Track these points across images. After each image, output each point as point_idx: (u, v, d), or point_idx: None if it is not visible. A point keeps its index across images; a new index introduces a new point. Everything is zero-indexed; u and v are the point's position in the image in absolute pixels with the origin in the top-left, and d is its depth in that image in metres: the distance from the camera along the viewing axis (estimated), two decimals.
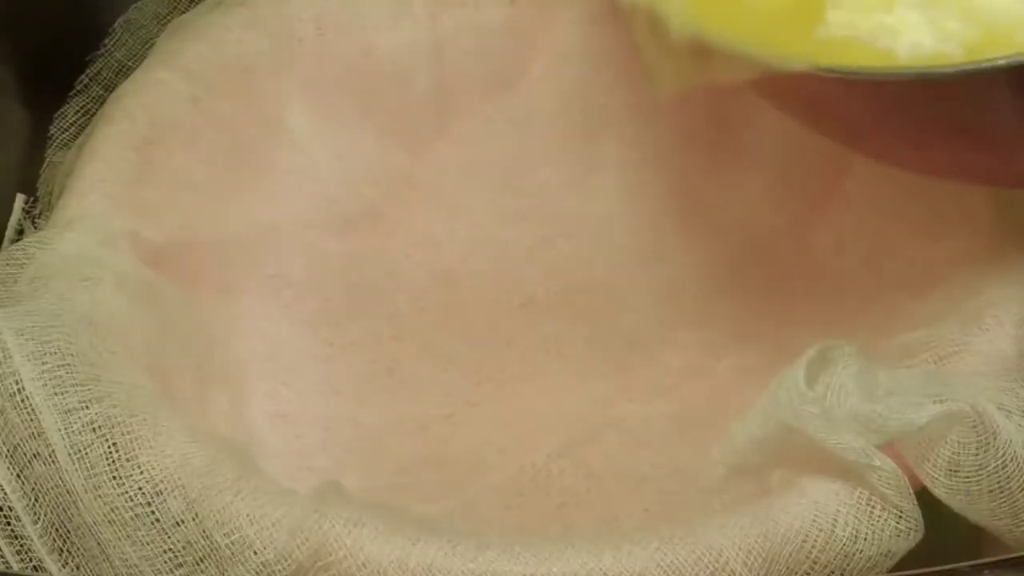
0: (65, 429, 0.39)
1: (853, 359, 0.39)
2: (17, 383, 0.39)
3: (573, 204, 0.57)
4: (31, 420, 0.39)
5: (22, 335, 0.40)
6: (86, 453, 0.39)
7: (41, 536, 0.39)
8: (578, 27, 0.56)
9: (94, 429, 0.39)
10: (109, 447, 0.39)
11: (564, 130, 0.57)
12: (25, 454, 0.39)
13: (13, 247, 0.46)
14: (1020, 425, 0.38)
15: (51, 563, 0.39)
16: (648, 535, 0.38)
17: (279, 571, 0.38)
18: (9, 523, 0.39)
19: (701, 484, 0.43)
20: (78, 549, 0.39)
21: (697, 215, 0.55)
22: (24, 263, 0.45)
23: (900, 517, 0.38)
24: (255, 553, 0.38)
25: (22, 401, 0.39)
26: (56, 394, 0.40)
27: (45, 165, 0.52)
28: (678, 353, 0.53)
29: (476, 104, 0.57)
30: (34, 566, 0.39)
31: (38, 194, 0.52)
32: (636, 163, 0.56)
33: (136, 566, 0.38)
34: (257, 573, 0.38)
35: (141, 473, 0.39)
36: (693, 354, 0.53)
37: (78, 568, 0.39)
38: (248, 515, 0.38)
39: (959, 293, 0.44)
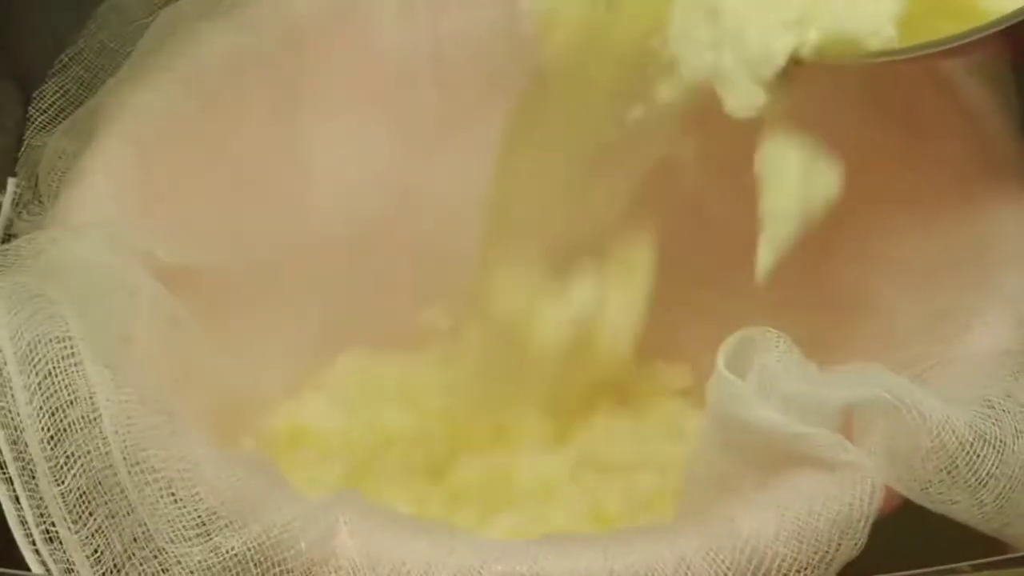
0: (116, 398, 0.41)
1: (776, 344, 0.41)
2: (71, 348, 0.41)
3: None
4: (80, 384, 0.41)
5: (77, 306, 0.42)
6: (133, 423, 0.40)
7: (64, 496, 0.40)
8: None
9: (142, 403, 0.41)
10: (157, 420, 0.41)
11: None
12: (65, 418, 0.40)
13: (21, 239, 0.47)
14: (976, 412, 0.40)
15: (65, 527, 0.40)
16: (646, 534, 0.40)
17: (290, 564, 0.39)
18: (34, 479, 0.40)
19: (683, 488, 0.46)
20: (104, 511, 0.40)
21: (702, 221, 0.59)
22: (36, 255, 0.45)
23: (851, 468, 0.39)
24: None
25: (75, 365, 0.41)
26: (107, 367, 0.41)
27: (23, 148, 0.53)
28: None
29: (476, 105, 0.58)
30: (47, 526, 0.40)
31: (16, 178, 0.53)
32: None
33: (171, 523, 0.40)
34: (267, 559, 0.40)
35: (186, 443, 0.41)
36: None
37: (99, 529, 0.40)
38: (267, 512, 0.40)
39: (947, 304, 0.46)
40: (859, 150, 0.50)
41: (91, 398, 0.41)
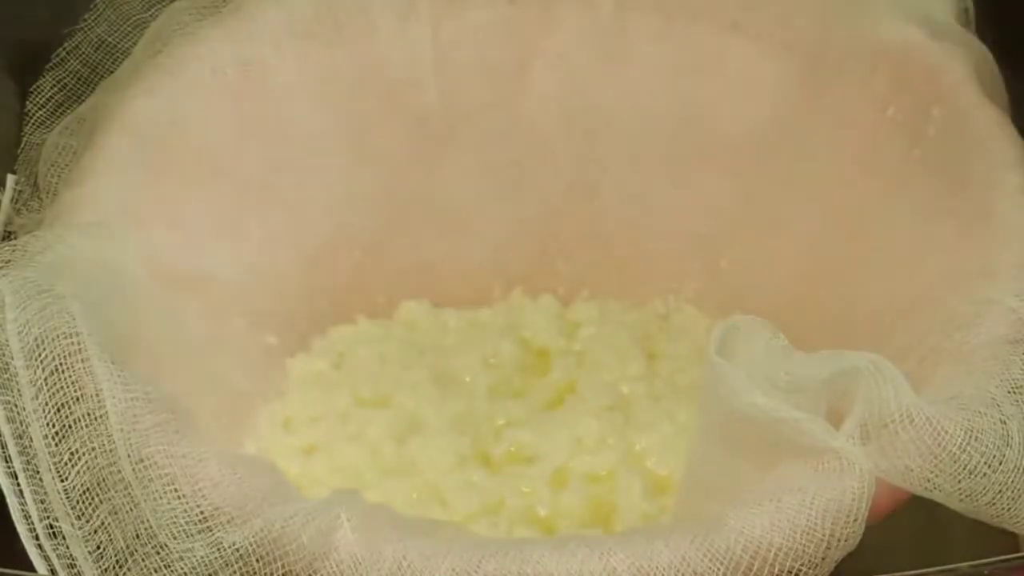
0: (122, 395, 0.42)
1: (762, 330, 0.43)
2: (78, 344, 0.42)
3: (576, 208, 0.63)
4: (87, 381, 0.42)
5: (84, 303, 0.43)
6: (138, 420, 0.42)
7: (68, 492, 0.42)
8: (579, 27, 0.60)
9: (148, 400, 0.42)
10: (162, 418, 0.42)
11: (565, 131, 0.61)
12: (71, 414, 0.42)
13: (27, 236, 0.48)
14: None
15: (68, 523, 0.42)
16: (643, 533, 0.41)
17: (292, 558, 0.41)
18: (38, 474, 0.42)
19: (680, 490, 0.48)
20: (107, 507, 0.42)
21: None
22: (43, 251, 0.46)
23: (839, 456, 0.41)
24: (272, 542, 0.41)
25: (82, 361, 0.42)
26: (114, 364, 0.43)
27: (22, 146, 0.55)
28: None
29: (477, 106, 0.61)
30: (51, 521, 0.42)
31: (15, 174, 0.54)
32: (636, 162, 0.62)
33: (174, 519, 0.41)
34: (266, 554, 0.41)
35: (190, 441, 0.42)
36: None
37: (102, 525, 0.42)
38: (269, 508, 0.41)
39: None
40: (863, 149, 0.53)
41: (97, 395, 0.42)
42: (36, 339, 0.43)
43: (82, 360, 0.42)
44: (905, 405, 0.40)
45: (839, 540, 0.40)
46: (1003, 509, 0.41)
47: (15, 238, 0.51)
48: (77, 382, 0.42)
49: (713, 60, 0.59)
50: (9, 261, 0.46)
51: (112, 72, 0.56)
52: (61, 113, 0.56)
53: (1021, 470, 0.41)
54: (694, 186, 0.61)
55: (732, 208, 0.61)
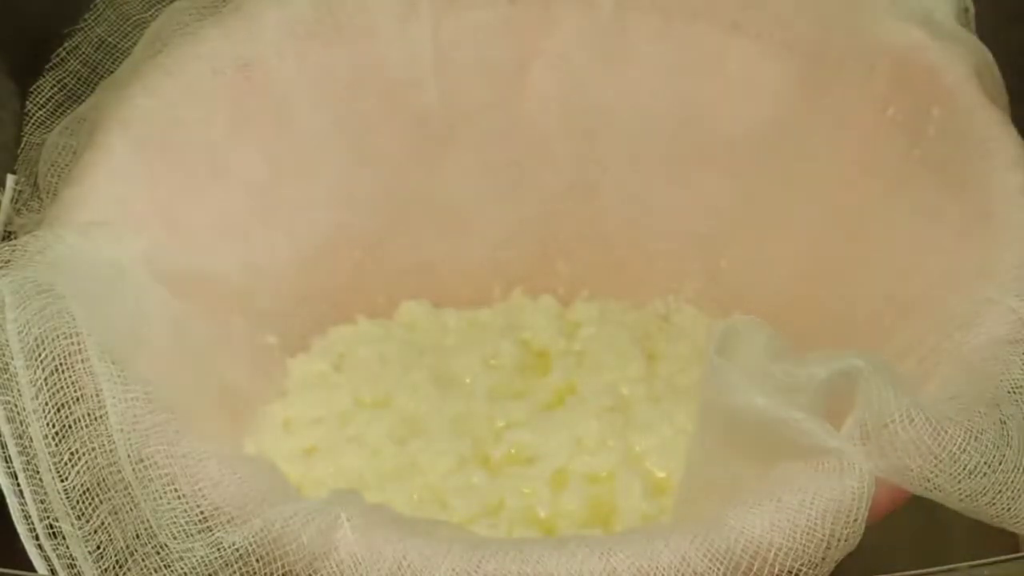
0: (122, 395, 0.42)
1: (761, 331, 0.43)
2: (78, 344, 0.43)
3: (576, 208, 0.63)
4: (87, 381, 0.42)
5: (84, 303, 0.44)
6: (138, 420, 0.42)
7: (68, 492, 0.42)
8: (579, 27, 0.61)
9: (148, 400, 0.43)
10: (162, 418, 0.43)
11: (565, 131, 0.62)
12: (71, 414, 0.42)
13: (27, 236, 0.48)
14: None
15: (68, 523, 0.42)
16: (643, 533, 0.41)
17: (291, 558, 0.41)
18: (38, 474, 0.42)
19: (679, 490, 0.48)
20: (107, 507, 0.42)
21: None
22: (42, 251, 0.47)
23: (840, 456, 0.41)
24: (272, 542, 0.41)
25: (82, 361, 0.42)
26: (114, 363, 0.43)
27: (22, 146, 0.55)
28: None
29: (477, 106, 0.61)
30: (51, 521, 0.42)
31: (15, 174, 0.55)
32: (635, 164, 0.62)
33: (174, 519, 0.41)
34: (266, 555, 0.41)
35: (190, 441, 0.42)
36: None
37: (102, 525, 0.42)
38: (269, 508, 0.41)
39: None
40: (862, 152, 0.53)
41: (97, 395, 0.42)
42: (36, 339, 0.43)
43: (82, 360, 0.43)
44: (905, 405, 0.41)
45: (839, 540, 0.41)
46: (1003, 509, 0.41)
47: (15, 238, 0.51)
48: (77, 382, 0.43)
49: (713, 60, 0.60)
50: (9, 261, 0.46)
51: (112, 72, 0.57)
52: (61, 113, 0.56)
53: (1021, 470, 0.41)
54: (694, 186, 0.62)
55: (732, 208, 0.61)
